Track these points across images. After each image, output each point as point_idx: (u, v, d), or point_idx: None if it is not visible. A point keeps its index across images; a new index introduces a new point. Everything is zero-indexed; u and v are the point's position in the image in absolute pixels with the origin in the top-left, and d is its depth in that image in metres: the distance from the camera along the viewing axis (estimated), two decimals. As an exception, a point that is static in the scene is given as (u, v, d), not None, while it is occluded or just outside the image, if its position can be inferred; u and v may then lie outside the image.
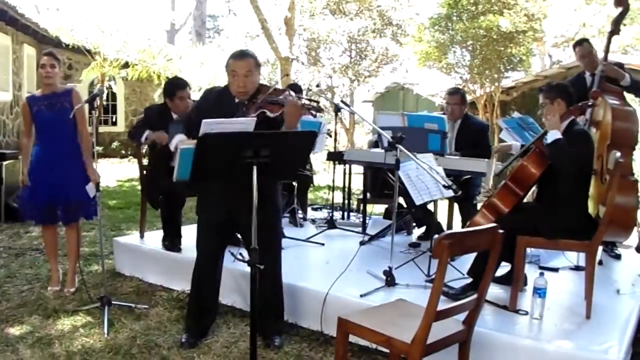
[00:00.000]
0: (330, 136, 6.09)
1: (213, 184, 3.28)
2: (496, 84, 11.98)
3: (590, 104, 3.76)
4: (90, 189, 4.06)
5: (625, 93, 4.83)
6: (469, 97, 11.68)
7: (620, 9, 4.75)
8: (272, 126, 3.16)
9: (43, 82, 4.14)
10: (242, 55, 3.32)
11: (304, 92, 7.23)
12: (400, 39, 17.23)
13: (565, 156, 3.37)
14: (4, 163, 6.70)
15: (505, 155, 4.39)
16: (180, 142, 3.31)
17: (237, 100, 3.33)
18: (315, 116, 5.18)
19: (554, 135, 3.43)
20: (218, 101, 3.37)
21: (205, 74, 14.31)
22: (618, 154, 3.56)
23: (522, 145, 4.08)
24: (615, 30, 4.73)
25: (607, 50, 4.71)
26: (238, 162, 2.63)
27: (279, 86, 3.76)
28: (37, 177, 4.10)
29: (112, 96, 15.74)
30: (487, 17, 11.20)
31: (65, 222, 4.29)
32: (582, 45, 4.94)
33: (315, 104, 3.43)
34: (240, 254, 4.08)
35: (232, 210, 3.27)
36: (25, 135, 4.23)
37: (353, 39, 17.71)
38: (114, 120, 16.22)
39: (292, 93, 3.23)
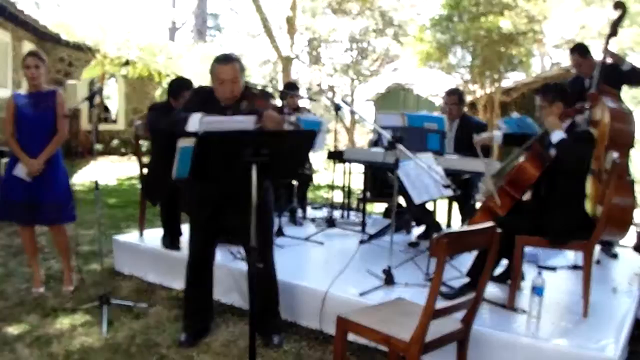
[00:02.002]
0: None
1: (198, 183, 3.29)
2: (496, 84, 12.00)
3: (587, 107, 3.76)
4: (20, 172, 4.03)
5: (621, 91, 4.85)
6: (469, 98, 11.76)
7: (618, 12, 4.77)
8: None
9: (28, 83, 4.13)
10: (227, 60, 3.28)
11: (305, 92, 7.24)
12: (401, 39, 17.26)
13: (573, 154, 3.37)
14: (2, 160, 6.60)
15: (503, 154, 4.39)
16: (199, 121, 3.14)
17: (222, 105, 3.33)
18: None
19: (558, 135, 3.43)
20: (205, 102, 3.35)
21: (206, 72, 14.30)
22: (615, 154, 3.58)
23: (506, 135, 4.03)
24: (613, 32, 4.75)
25: (605, 52, 4.73)
26: (238, 160, 2.64)
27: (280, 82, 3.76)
28: (15, 176, 4.05)
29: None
30: (488, 18, 11.22)
31: (46, 224, 4.25)
32: (572, 55, 4.97)
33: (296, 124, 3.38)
34: (240, 253, 4.12)
35: (216, 209, 3.29)
36: (10, 134, 4.10)
37: (354, 39, 17.76)
38: (113, 118, 16.23)
39: (276, 103, 3.21)
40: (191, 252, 3.48)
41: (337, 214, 6.11)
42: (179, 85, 4.66)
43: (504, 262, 3.75)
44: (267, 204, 3.39)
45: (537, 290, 3.23)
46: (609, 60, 4.72)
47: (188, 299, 3.56)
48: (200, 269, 3.49)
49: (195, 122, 3.14)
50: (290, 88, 6.38)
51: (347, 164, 5.85)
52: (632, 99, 9.60)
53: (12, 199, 4.08)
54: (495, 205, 3.56)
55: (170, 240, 4.58)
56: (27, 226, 4.25)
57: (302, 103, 6.75)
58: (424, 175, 3.83)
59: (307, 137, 3.02)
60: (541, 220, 3.46)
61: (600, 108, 4.54)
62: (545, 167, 3.48)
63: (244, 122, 3.08)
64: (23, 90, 4.21)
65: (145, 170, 4.94)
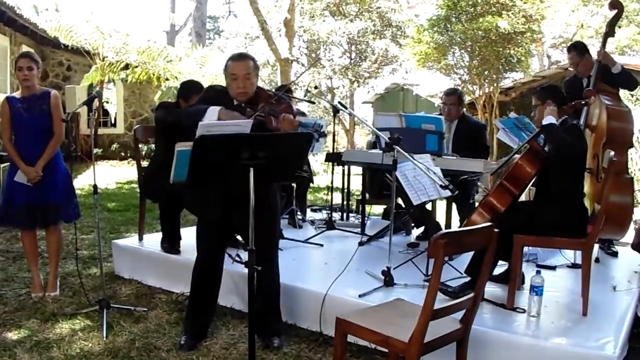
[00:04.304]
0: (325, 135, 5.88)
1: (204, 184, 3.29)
2: (495, 84, 12.00)
3: (583, 102, 3.77)
4: (21, 177, 4.02)
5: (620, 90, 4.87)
6: (468, 98, 11.75)
7: (614, 11, 4.78)
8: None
9: (21, 84, 4.10)
10: (241, 57, 3.39)
11: (304, 94, 7.24)
12: (399, 40, 17.27)
13: (560, 140, 3.40)
14: (1, 165, 6.58)
15: (502, 155, 4.42)
16: (220, 110, 3.21)
17: (235, 103, 3.34)
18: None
19: (549, 119, 3.47)
20: (218, 101, 3.37)
21: (205, 75, 14.34)
22: (612, 152, 3.58)
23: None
24: (610, 31, 4.77)
25: (599, 53, 4.75)
26: (235, 163, 2.64)
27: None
28: (14, 180, 4.05)
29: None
30: (486, 18, 11.22)
31: (44, 226, 4.23)
32: (570, 53, 4.97)
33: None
34: (238, 255, 4.10)
35: (227, 208, 3.28)
36: (7, 139, 4.10)
37: (353, 41, 17.78)
38: (113, 122, 16.24)
39: (294, 108, 3.24)
40: (200, 254, 3.46)
41: (336, 215, 6.11)
42: (190, 88, 4.65)
43: (505, 262, 3.75)
44: (274, 207, 3.41)
45: (537, 290, 3.24)
46: (603, 62, 4.72)
47: (193, 301, 3.53)
48: (208, 272, 3.47)
49: (214, 113, 3.21)
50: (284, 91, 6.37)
51: (345, 165, 5.85)
52: (631, 97, 9.58)
53: (14, 204, 4.08)
54: (494, 200, 3.56)
55: (170, 244, 4.58)
56: (29, 230, 4.24)
57: (302, 105, 6.75)
58: (422, 176, 3.84)
59: (304, 139, 3.02)
60: (536, 218, 3.47)
61: (597, 107, 4.55)
62: (542, 164, 3.49)
63: (242, 125, 3.09)
64: (17, 93, 4.18)
65: (144, 174, 4.92)
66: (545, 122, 3.49)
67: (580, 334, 3.07)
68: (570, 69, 5.43)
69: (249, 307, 2.76)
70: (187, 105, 4.50)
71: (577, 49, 4.94)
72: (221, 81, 3.58)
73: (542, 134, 3.63)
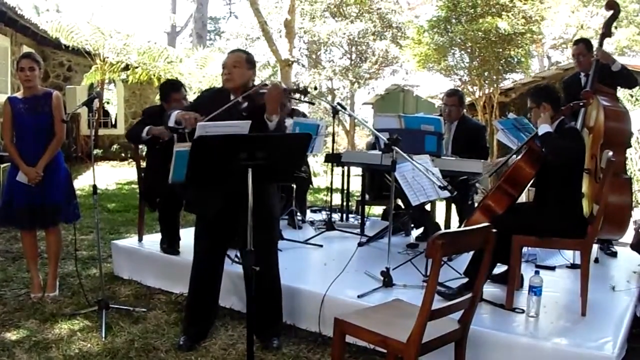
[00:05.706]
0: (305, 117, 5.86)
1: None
2: (495, 85, 12.00)
3: (581, 104, 3.78)
4: (23, 177, 4.03)
5: (617, 91, 4.87)
6: (468, 99, 11.76)
7: (611, 12, 4.79)
8: (259, 117, 3.22)
9: (23, 85, 4.11)
10: (234, 50, 3.54)
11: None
12: (400, 41, 17.27)
13: (557, 148, 3.39)
14: (1, 166, 6.58)
15: (501, 154, 4.41)
16: (177, 113, 3.29)
17: (232, 98, 3.35)
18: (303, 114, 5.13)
19: (544, 128, 3.47)
20: (213, 98, 3.41)
21: (205, 76, 14.34)
22: (610, 153, 3.59)
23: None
24: (607, 32, 4.79)
25: (597, 52, 4.76)
26: (233, 164, 2.64)
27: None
28: (15, 180, 4.05)
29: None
30: (486, 19, 11.23)
31: (43, 227, 4.24)
32: (577, 45, 4.99)
33: (300, 95, 3.45)
34: (237, 256, 4.12)
35: (225, 206, 3.29)
36: (8, 139, 4.10)
37: (353, 42, 17.78)
38: (113, 122, 16.24)
39: (283, 85, 3.28)
40: (196, 257, 3.46)
41: (336, 216, 6.11)
42: (167, 89, 4.69)
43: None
44: (272, 208, 3.41)
45: (535, 290, 3.24)
46: (603, 61, 4.74)
47: (192, 304, 3.53)
48: (205, 276, 3.46)
49: (172, 117, 3.29)
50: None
51: (345, 166, 5.85)
52: (630, 97, 9.58)
53: (15, 204, 4.08)
54: (493, 203, 3.56)
55: (169, 244, 4.58)
56: (29, 231, 4.24)
57: (302, 106, 6.74)
58: (420, 177, 3.84)
59: (303, 140, 3.03)
60: (535, 220, 3.47)
61: (595, 107, 4.56)
62: (541, 165, 3.49)
63: (240, 126, 3.09)
64: (19, 93, 4.18)
65: (144, 184, 4.92)
66: (540, 131, 3.48)
67: (579, 334, 3.07)
68: (572, 60, 5.43)
69: (247, 307, 2.76)
70: (168, 106, 4.53)
71: (586, 42, 4.98)
72: (221, 82, 3.63)
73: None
